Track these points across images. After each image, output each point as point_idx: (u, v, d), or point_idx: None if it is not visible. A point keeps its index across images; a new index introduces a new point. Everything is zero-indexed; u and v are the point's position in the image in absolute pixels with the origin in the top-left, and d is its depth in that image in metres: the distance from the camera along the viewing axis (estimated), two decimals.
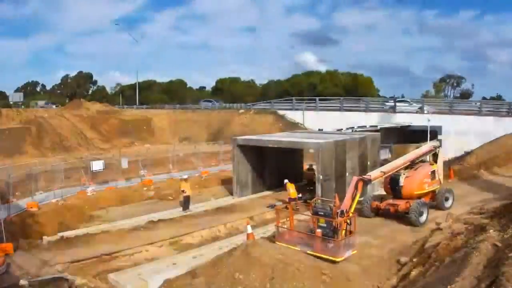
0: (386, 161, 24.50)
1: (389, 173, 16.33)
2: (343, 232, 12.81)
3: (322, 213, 13.47)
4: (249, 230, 15.46)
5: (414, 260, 11.66)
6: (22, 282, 11.62)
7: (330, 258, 12.24)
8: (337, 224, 12.67)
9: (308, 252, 12.52)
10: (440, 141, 30.82)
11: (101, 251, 15.05)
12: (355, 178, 14.13)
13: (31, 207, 19.60)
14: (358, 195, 13.70)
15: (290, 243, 13.21)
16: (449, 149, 29.75)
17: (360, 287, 11.19)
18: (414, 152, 17.98)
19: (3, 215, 17.35)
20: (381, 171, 15.72)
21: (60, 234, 16.89)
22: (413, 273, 10.65)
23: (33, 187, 21.56)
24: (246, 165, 23.58)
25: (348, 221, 13.07)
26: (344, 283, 11.08)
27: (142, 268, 13.55)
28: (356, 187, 13.72)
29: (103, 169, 25.09)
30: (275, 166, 24.58)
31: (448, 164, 27.28)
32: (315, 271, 11.16)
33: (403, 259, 12.27)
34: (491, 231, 10.07)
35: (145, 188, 24.59)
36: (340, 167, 20.89)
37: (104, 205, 21.79)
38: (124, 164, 26.15)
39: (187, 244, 16.31)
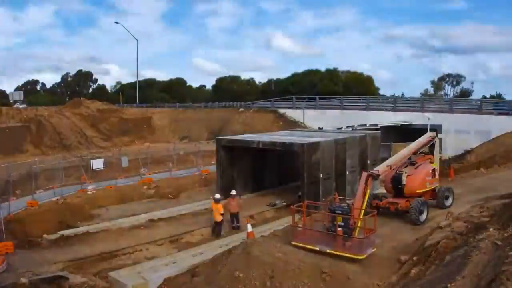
0: (385, 160, 24.52)
1: (396, 166, 16.38)
2: (358, 229, 12.87)
3: (340, 211, 13.42)
4: (249, 228, 15.47)
5: (415, 258, 11.64)
6: (23, 280, 11.62)
7: (353, 256, 12.26)
8: (354, 222, 12.87)
9: (328, 251, 12.51)
10: (440, 139, 31.00)
11: (101, 249, 15.08)
12: (364, 174, 14.15)
13: (31, 206, 19.61)
14: (368, 191, 13.80)
15: (308, 243, 13.11)
16: (449, 148, 29.80)
17: (360, 286, 11.17)
18: (415, 143, 17.97)
19: (3, 213, 17.36)
20: (387, 165, 15.68)
21: (60, 232, 16.89)
22: (414, 271, 10.63)
23: (33, 185, 21.58)
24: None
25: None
26: (344, 282, 11.07)
27: (142, 267, 13.56)
28: (366, 183, 13.80)
29: (103, 167, 25.13)
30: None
31: (448, 162, 27.33)
32: (315, 269, 11.16)
33: (403, 258, 12.26)
34: (491, 229, 10.06)
35: (145, 187, 24.60)
36: (340, 165, 20.89)
37: (104, 203, 21.80)
38: (124, 162, 26.18)
39: (187, 243, 16.32)
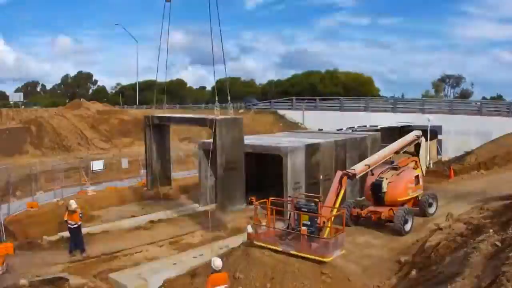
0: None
1: (375, 166, 15.16)
2: (327, 230, 11.84)
3: (306, 209, 12.37)
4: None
5: (415, 260, 11.66)
6: (23, 281, 11.62)
7: (318, 258, 11.30)
8: (322, 222, 11.82)
9: (292, 252, 11.55)
10: (440, 140, 31.04)
11: (101, 251, 15.08)
12: (339, 173, 13.24)
13: (32, 207, 19.61)
14: (342, 191, 12.93)
15: (270, 243, 12.02)
16: (449, 149, 29.85)
17: (360, 287, 11.18)
18: (397, 142, 16.78)
19: (3, 214, 17.36)
20: (366, 164, 14.53)
21: (60, 234, 16.87)
22: (414, 273, 10.65)
23: (34, 187, 21.59)
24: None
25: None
26: (344, 283, 11.07)
27: (142, 268, 13.53)
28: (340, 183, 12.89)
29: (103, 169, 25.12)
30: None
31: (448, 163, 27.36)
32: (315, 271, 11.15)
33: (404, 259, 12.27)
34: (491, 231, 10.07)
35: (145, 188, 24.57)
36: (341, 166, 20.84)
37: (104, 205, 21.78)
38: (124, 164, 26.20)
39: (187, 244, 16.29)
